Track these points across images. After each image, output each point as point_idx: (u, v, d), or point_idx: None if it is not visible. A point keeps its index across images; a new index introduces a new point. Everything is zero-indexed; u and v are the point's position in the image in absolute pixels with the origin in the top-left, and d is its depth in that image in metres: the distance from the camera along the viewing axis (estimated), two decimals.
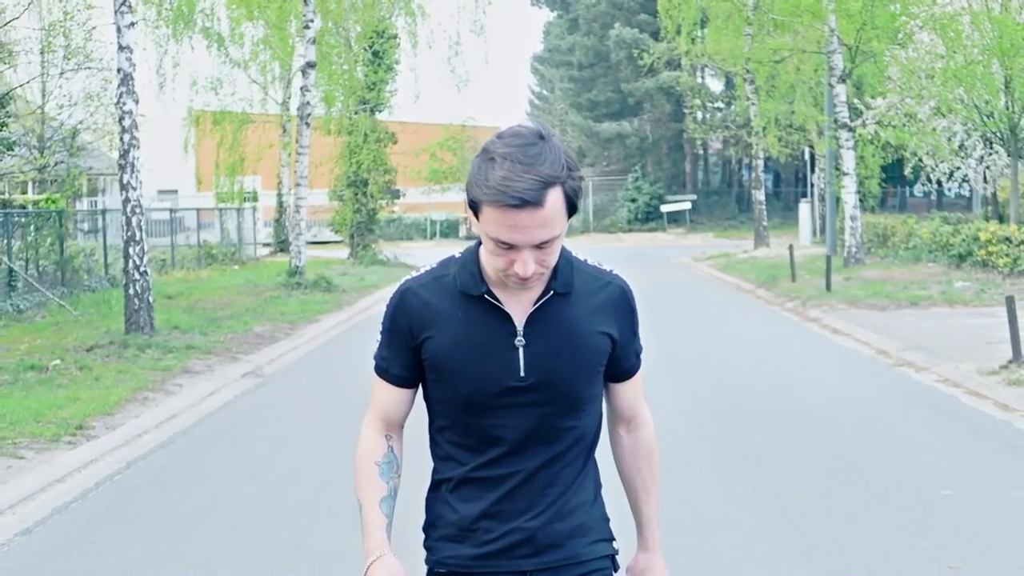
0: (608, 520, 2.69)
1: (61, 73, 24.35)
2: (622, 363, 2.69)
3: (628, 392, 2.75)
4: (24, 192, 28.11)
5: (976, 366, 12.09)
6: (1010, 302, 12.07)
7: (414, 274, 2.68)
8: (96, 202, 35.18)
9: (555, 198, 2.43)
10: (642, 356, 2.75)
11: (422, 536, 2.68)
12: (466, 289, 2.57)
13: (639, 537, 2.82)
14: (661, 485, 2.84)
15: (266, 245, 41.46)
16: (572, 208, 2.49)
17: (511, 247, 2.45)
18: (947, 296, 19.16)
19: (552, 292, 2.57)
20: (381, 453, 2.70)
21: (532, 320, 2.56)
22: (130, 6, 15.46)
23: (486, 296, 2.56)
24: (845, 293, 20.34)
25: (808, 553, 6.20)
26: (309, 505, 7.43)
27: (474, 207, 2.49)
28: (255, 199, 41.31)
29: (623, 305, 2.66)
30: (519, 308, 2.57)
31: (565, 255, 2.62)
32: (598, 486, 2.70)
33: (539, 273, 2.49)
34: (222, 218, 36.35)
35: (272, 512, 7.29)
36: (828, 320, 17.48)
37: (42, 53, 26.22)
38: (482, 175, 2.42)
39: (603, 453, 2.70)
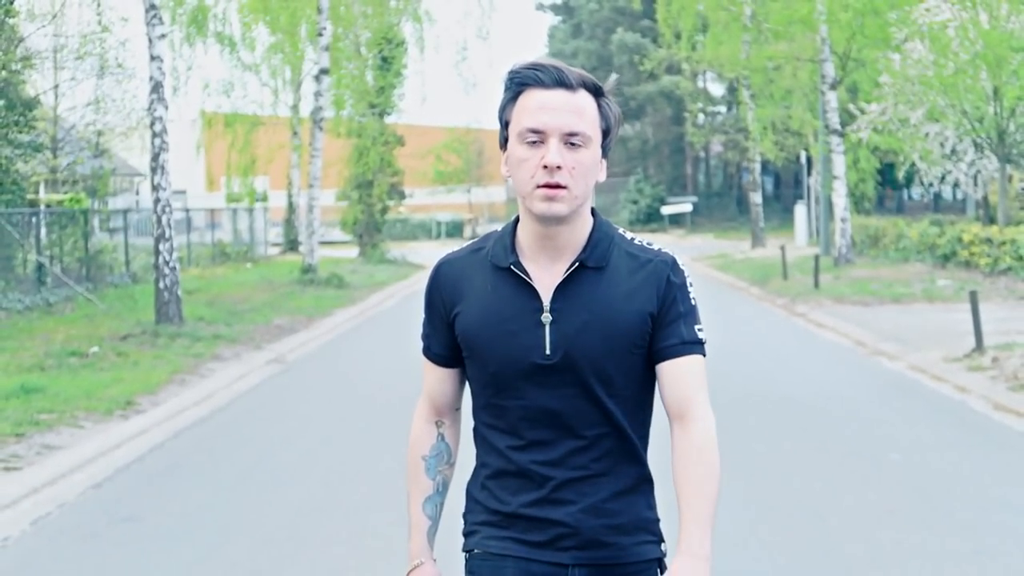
0: (658, 520, 2.58)
1: (92, 78, 25.36)
2: (659, 341, 2.48)
3: (675, 382, 2.49)
4: (36, 192, 29.18)
5: (942, 354, 13.17)
6: (973, 296, 13.15)
7: (454, 248, 2.64)
8: (107, 201, 36.23)
9: (588, 100, 2.43)
10: (698, 348, 2.50)
11: (461, 522, 2.64)
12: (496, 260, 2.49)
13: (678, 541, 2.49)
14: (718, 486, 2.50)
15: (275, 245, 42.53)
16: (606, 130, 2.46)
17: (540, 141, 2.40)
18: (928, 293, 20.24)
19: (579, 264, 2.46)
20: (429, 445, 2.64)
21: (559, 295, 2.45)
22: (160, 19, 16.55)
23: (513, 267, 2.47)
24: (832, 290, 21.43)
25: (768, 501, 7.28)
26: (341, 466, 8.51)
27: (505, 122, 2.47)
28: (265, 199, 42.38)
29: (664, 280, 2.48)
30: (548, 281, 2.46)
31: (606, 229, 2.52)
32: (650, 483, 2.58)
33: (566, 186, 2.40)
34: (235, 218, 37.42)
35: (308, 472, 8.38)
36: (814, 315, 18.55)
37: (55, 54, 27.27)
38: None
39: (660, 455, 2.61)
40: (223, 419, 10.68)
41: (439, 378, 2.63)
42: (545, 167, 2.38)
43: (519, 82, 2.42)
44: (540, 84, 2.40)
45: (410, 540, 2.63)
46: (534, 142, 2.39)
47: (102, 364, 13.27)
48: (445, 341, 2.58)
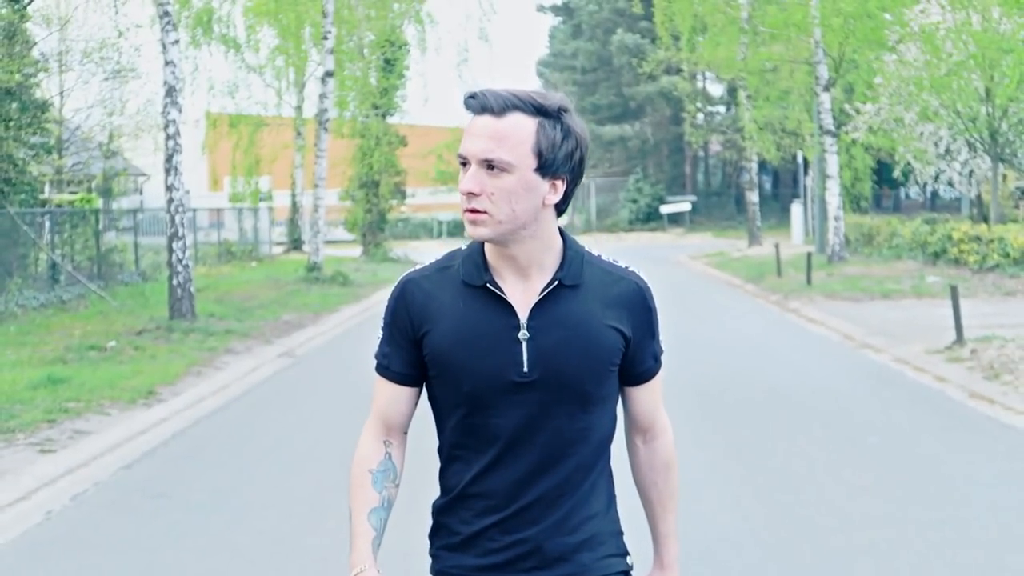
0: (622, 534, 2.60)
1: (100, 80, 25.92)
2: (637, 365, 2.56)
3: (645, 398, 2.62)
4: (42, 192, 29.74)
5: (925, 347, 13.77)
6: (954, 291, 13.76)
7: (417, 266, 2.60)
8: (114, 201, 36.82)
9: (520, 122, 2.40)
10: (662, 360, 2.63)
11: (428, 544, 2.63)
12: (468, 279, 2.49)
13: (654, 553, 2.72)
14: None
15: (279, 244, 43.12)
16: (542, 158, 2.41)
17: (465, 166, 2.42)
18: (917, 290, 20.83)
19: (558, 283, 2.47)
20: (377, 461, 2.61)
21: (537, 312, 2.46)
22: (174, 25, 17.14)
23: (488, 285, 2.47)
24: (824, 287, 22.04)
25: (750, 477, 7.88)
26: (354, 448, 9.09)
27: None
28: (270, 199, 42.96)
29: (639, 302, 2.53)
30: (523, 299, 2.47)
31: (575, 248, 2.53)
32: (612, 496, 2.59)
33: (485, 211, 2.41)
34: (240, 217, 38.01)
35: (324, 453, 8.97)
36: (806, 311, 19.15)
37: (59, 56, 27.83)
38: None
39: (620, 463, 2.69)
40: (239, 408, 11.29)
41: (395, 397, 2.59)
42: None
43: (467, 109, 2.45)
44: (473, 111, 2.42)
45: (352, 550, 2.54)
46: (464, 165, 2.42)
47: (121, 357, 13.86)
48: (408, 359, 2.55)
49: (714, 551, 6.30)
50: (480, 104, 2.39)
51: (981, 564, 6.03)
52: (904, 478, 7.80)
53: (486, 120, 2.39)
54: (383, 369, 2.59)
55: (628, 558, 2.58)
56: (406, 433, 2.66)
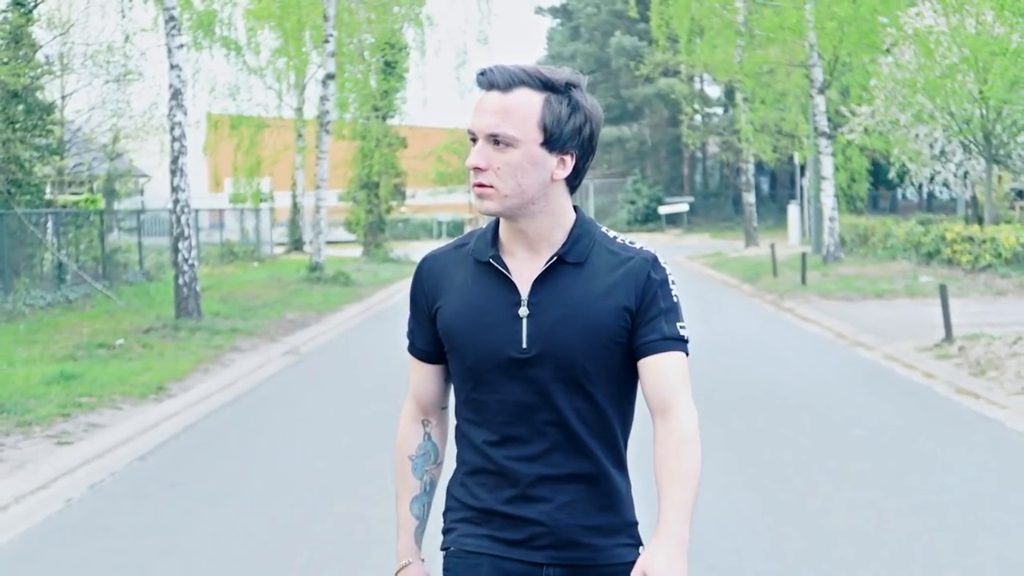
0: (636, 524, 2.58)
1: (102, 82, 26.22)
2: (640, 336, 2.48)
3: (652, 377, 2.48)
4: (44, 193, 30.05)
5: (915, 344, 14.11)
6: (943, 290, 14.11)
7: (439, 245, 2.67)
8: (117, 202, 37.11)
9: (526, 98, 2.43)
10: (678, 346, 2.51)
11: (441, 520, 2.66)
12: (477, 255, 2.53)
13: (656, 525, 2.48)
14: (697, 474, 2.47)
15: (280, 244, 43.44)
16: (548, 132, 2.44)
17: (474, 142, 2.46)
18: (910, 289, 21.17)
19: (558, 259, 2.48)
20: (416, 444, 2.66)
21: (538, 289, 2.47)
22: (179, 29, 17.47)
23: (492, 261, 2.50)
24: (819, 287, 22.39)
25: (741, 466, 8.23)
26: (361, 441, 9.44)
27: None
28: (271, 200, 43.29)
29: (643, 273, 2.50)
30: (526, 276, 2.48)
31: (587, 226, 2.53)
32: (628, 485, 2.59)
33: (491, 186, 2.44)
34: (241, 218, 38.34)
35: (331, 445, 9.31)
36: (800, 310, 19.49)
37: (60, 59, 28.15)
38: None
39: (640, 459, 2.65)
40: (248, 403, 11.62)
41: (424, 375, 2.64)
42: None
43: (477, 86, 2.50)
44: (481, 87, 2.47)
45: (398, 540, 2.64)
46: (473, 140, 2.47)
47: (129, 355, 14.19)
48: (428, 337, 2.59)
49: (703, 535, 6.62)
50: (488, 80, 2.44)
51: (956, 546, 6.36)
52: (888, 468, 8.14)
53: (493, 96, 2.43)
54: (411, 347, 2.66)
55: (641, 548, 2.56)
56: (445, 408, 2.70)
